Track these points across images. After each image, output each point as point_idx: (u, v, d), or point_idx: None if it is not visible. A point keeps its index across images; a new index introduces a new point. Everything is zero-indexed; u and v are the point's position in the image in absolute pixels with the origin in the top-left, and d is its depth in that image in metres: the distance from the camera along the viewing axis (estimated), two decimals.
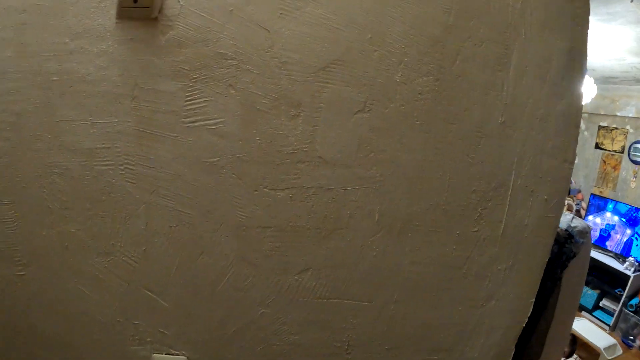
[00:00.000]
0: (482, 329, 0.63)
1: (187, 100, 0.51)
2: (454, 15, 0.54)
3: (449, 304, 0.60)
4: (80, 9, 0.49)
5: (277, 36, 0.51)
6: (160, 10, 0.50)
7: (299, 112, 0.52)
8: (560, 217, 0.66)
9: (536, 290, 0.64)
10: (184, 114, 0.51)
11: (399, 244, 0.58)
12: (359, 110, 0.54)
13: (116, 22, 0.49)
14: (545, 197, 0.63)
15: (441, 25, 0.54)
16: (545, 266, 0.65)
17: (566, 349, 2.02)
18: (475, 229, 0.60)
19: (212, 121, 0.52)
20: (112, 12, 0.49)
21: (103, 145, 0.51)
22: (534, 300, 0.64)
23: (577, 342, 2.07)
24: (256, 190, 0.53)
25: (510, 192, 0.61)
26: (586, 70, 0.64)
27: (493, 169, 0.60)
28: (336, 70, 0.52)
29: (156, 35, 0.50)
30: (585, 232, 1.05)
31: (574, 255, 1.01)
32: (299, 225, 0.54)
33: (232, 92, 0.51)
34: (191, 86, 0.51)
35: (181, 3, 0.49)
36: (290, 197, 0.54)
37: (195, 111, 0.51)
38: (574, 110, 0.62)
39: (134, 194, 0.51)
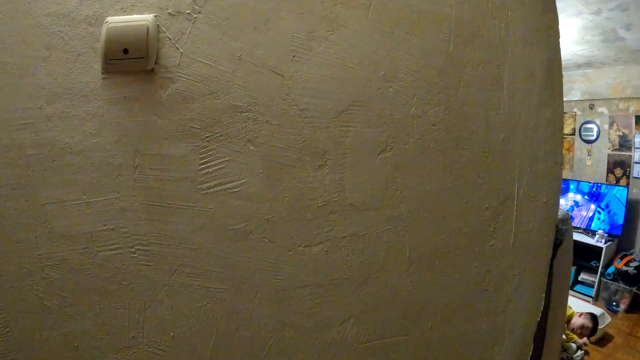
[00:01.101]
0: (505, 332, 0.73)
1: (201, 164, 0.50)
2: (452, 44, 0.60)
3: (475, 317, 0.69)
4: (54, 64, 0.44)
5: (293, 81, 0.52)
6: (157, 61, 0.47)
7: (325, 161, 0.55)
8: (557, 214, 0.79)
9: (545, 285, 0.77)
10: (200, 179, 0.50)
11: (429, 274, 0.64)
12: (382, 150, 0.58)
13: (103, 78, 0.46)
14: (544, 200, 0.75)
15: (443, 54, 0.60)
16: (549, 262, 0.76)
17: (589, 325, 2.37)
18: (491, 243, 0.69)
19: (233, 183, 0.51)
20: (97, 66, 0.45)
21: (105, 227, 0.48)
22: (544, 295, 0.76)
23: (597, 320, 2.47)
24: (290, 251, 0.55)
25: (515, 202, 0.71)
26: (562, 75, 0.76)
27: (500, 184, 0.69)
28: (356, 111, 0.56)
29: (155, 90, 0.48)
30: (566, 219, 1.25)
31: (561, 243, 1.21)
32: (337, 277, 0.58)
33: (252, 148, 0.51)
34: (204, 147, 0.50)
35: (181, 51, 0.48)
36: (326, 250, 0.56)
37: (212, 175, 0.50)
38: (558, 116, 0.74)
39: (151, 278, 0.49)
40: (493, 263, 0.71)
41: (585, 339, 2.43)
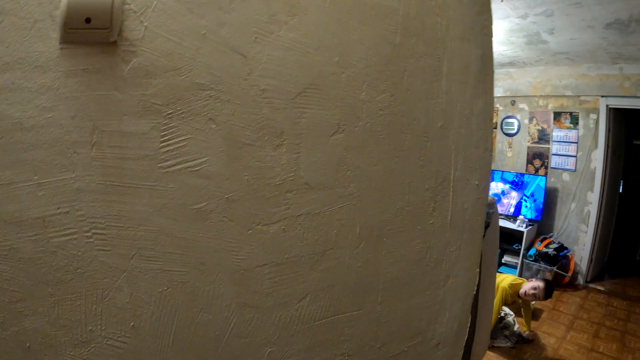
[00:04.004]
0: (446, 305, 0.99)
1: (162, 141, 0.62)
2: (399, 36, 0.82)
3: (419, 291, 0.93)
4: (6, 31, 0.52)
5: (254, 62, 0.68)
6: (120, 33, 0.56)
7: (283, 141, 0.71)
8: (487, 196, 1.07)
9: (479, 260, 1.04)
10: (161, 157, 0.62)
11: (377, 250, 0.86)
12: (334, 132, 0.77)
13: (61, 48, 0.55)
14: (476, 183, 1.02)
15: (391, 45, 0.81)
16: (482, 239, 1.04)
17: (540, 285, 2.98)
18: (431, 221, 0.94)
19: (194, 162, 0.65)
20: (54, 35, 0.54)
21: (59, 210, 0.56)
22: (479, 269, 1.03)
23: (550, 282, 3.13)
24: (249, 230, 0.70)
25: (452, 184, 0.97)
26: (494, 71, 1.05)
27: (438, 166, 0.94)
28: (312, 94, 0.74)
29: (117, 64, 0.59)
30: (493, 203, 1.66)
31: (488, 225, 1.58)
32: (294, 255, 0.75)
33: (213, 126, 0.65)
34: (165, 124, 0.62)
35: (145, 24, 0.59)
36: (283, 229, 0.73)
37: (173, 153, 0.63)
38: (489, 106, 1.02)
39: (109, 264, 0.60)
40: (433, 240, 0.95)
41: (532, 333, 3.05)
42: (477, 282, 1.09)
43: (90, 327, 0.60)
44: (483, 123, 1.07)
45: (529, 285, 3.00)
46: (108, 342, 0.62)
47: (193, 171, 0.65)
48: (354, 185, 0.82)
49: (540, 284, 2.98)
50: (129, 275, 0.62)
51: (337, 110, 0.77)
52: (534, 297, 2.96)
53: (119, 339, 0.63)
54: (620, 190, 5.21)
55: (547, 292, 2.96)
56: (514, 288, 3.05)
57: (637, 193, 6.04)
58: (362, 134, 0.82)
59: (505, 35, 3.45)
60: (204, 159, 0.65)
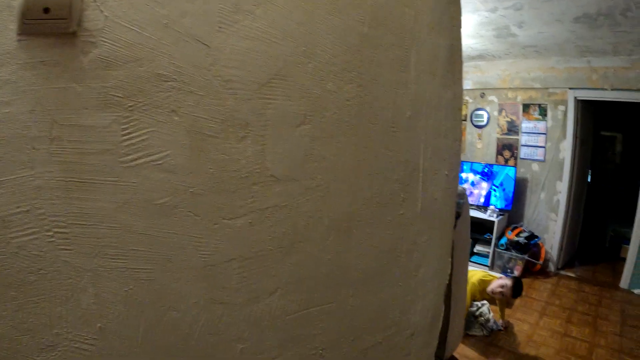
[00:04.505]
0: (419, 295, 1.08)
1: (124, 135, 0.66)
2: (367, 25, 0.89)
3: (391, 282, 1.01)
4: None
5: (218, 52, 0.72)
6: (80, 23, 0.61)
7: (248, 133, 0.77)
8: (457, 186, 1.17)
9: (450, 250, 1.14)
10: (122, 151, 0.66)
11: (346, 242, 0.93)
12: (300, 123, 0.83)
13: (19, 40, 0.58)
14: (446, 173, 1.11)
15: (358, 34, 0.88)
16: (453, 229, 1.14)
17: (508, 282, 3.19)
18: (401, 212, 1.02)
19: (156, 155, 0.69)
20: (12, 26, 0.57)
21: (19, 209, 0.60)
22: (450, 259, 1.13)
23: (519, 279, 3.37)
24: (216, 224, 0.75)
25: (421, 174, 1.05)
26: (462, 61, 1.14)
27: (407, 157, 1.02)
28: (277, 84, 0.79)
29: (76, 55, 0.62)
30: (463, 193, 1.80)
31: (459, 216, 1.71)
32: (262, 249, 0.81)
33: (176, 118, 0.70)
34: (127, 117, 0.66)
35: (105, 14, 0.63)
36: (250, 222, 0.79)
37: (135, 147, 0.67)
38: (458, 97, 1.11)
39: (73, 263, 0.64)
40: (404, 230, 1.04)
41: (506, 321, 3.31)
42: (449, 271, 1.20)
43: (56, 331, 0.62)
44: (452, 113, 1.17)
45: (497, 284, 3.22)
46: (75, 346, 0.64)
47: (156, 165, 0.68)
48: (321, 176, 0.87)
49: (508, 282, 3.20)
50: (93, 274, 0.64)
51: (304, 101, 0.82)
52: (502, 295, 3.18)
53: (86, 341, 0.65)
54: (589, 180, 5.77)
55: (515, 290, 3.19)
56: (483, 285, 3.27)
57: (605, 182, 6.72)
58: (329, 125, 0.87)
59: (474, 28, 3.71)
60: (167, 152, 0.68)
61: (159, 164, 0.69)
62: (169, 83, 0.68)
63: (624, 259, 4.54)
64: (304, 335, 0.89)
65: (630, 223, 4.40)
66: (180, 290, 0.73)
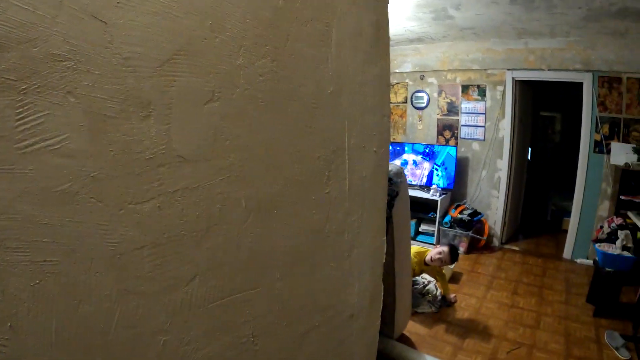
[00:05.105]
0: (354, 275, 1.17)
1: (17, 120, 0.68)
2: None
3: (322, 264, 1.10)
4: None
5: (116, 29, 0.75)
6: None
7: (150, 112, 0.81)
8: (388, 163, 1.28)
9: (385, 229, 1.25)
10: (17, 137, 0.67)
11: (269, 223, 1.00)
12: (208, 100, 0.88)
13: None
14: (375, 150, 1.21)
15: (272, 8, 0.95)
16: (386, 207, 1.25)
17: (445, 249, 3.59)
18: (327, 191, 1.11)
19: (53, 140, 0.72)
20: None
21: None
22: (385, 238, 1.24)
23: (454, 246, 3.76)
24: (121, 210, 0.79)
25: (347, 151, 1.15)
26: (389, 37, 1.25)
27: (330, 134, 1.11)
28: (181, 61, 0.84)
29: None
30: (400, 172, 1.94)
31: (397, 194, 1.84)
32: (174, 234, 0.86)
33: (72, 100, 0.73)
34: (21, 100, 0.67)
35: None
36: (159, 206, 0.84)
37: (30, 131, 0.69)
38: (385, 73, 1.21)
39: None
40: (331, 210, 1.13)
41: (454, 296, 3.69)
42: (384, 251, 1.30)
43: None
44: (379, 89, 1.26)
45: (435, 251, 3.61)
46: None
47: (53, 150, 0.69)
48: (235, 155, 0.91)
49: (444, 248, 3.60)
50: None
51: (211, 77, 0.86)
52: (440, 261, 3.57)
53: None
54: (530, 157, 6.48)
55: (452, 255, 3.61)
56: (419, 256, 3.65)
57: (546, 159, 7.53)
58: (241, 102, 0.91)
59: (412, 10, 3.96)
60: (64, 135, 0.70)
61: (57, 148, 0.70)
62: (64, 63, 0.69)
63: (565, 231, 5.18)
64: (232, 322, 0.94)
65: (570, 197, 5.02)
66: (90, 282, 0.75)
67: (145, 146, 0.80)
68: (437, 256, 3.58)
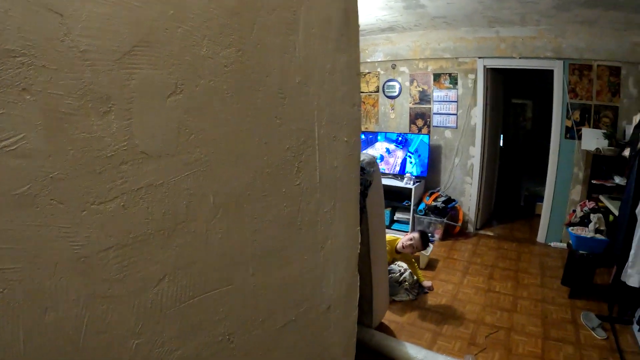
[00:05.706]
0: (329, 267, 1.19)
1: None
2: None
3: (295, 257, 1.12)
4: None
5: (72, 21, 0.73)
6: None
7: (110, 107, 0.80)
8: (359, 152, 1.29)
9: (358, 219, 1.27)
10: None
11: (238, 218, 1.01)
12: (171, 93, 0.88)
13: None
14: (345, 139, 1.23)
15: None
16: (359, 197, 1.26)
17: (415, 235, 3.69)
18: (297, 183, 1.12)
19: (9, 140, 0.70)
20: None
21: None
22: (359, 228, 1.26)
23: (424, 232, 3.84)
24: (84, 211, 0.78)
25: (317, 141, 1.16)
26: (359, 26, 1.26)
27: (299, 124, 1.12)
28: (142, 52, 0.83)
29: None
30: (373, 161, 1.97)
31: (370, 184, 1.87)
32: (141, 233, 0.85)
33: (28, 97, 0.71)
34: None
35: None
36: (123, 205, 0.83)
37: None
38: (354, 61, 1.22)
39: None
40: (303, 202, 1.14)
41: (430, 283, 3.80)
42: (359, 241, 1.32)
43: None
44: (349, 78, 1.27)
45: (405, 238, 3.71)
46: None
47: (10, 151, 0.67)
48: (200, 149, 0.91)
49: (415, 234, 3.70)
50: None
51: (174, 69, 0.85)
52: (412, 247, 3.67)
53: None
54: (502, 144, 6.71)
55: (424, 240, 3.71)
56: (390, 245, 3.70)
57: (518, 146, 7.84)
58: (205, 94, 0.91)
59: (384, 1, 4.06)
60: (21, 135, 0.68)
61: (13, 149, 0.68)
62: (19, 59, 0.67)
63: (538, 216, 5.39)
64: (206, 322, 0.94)
65: (542, 182, 5.22)
66: (56, 288, 0.74)
67: (106, 143, 0.79)
68: (409, 242, 3.67)
